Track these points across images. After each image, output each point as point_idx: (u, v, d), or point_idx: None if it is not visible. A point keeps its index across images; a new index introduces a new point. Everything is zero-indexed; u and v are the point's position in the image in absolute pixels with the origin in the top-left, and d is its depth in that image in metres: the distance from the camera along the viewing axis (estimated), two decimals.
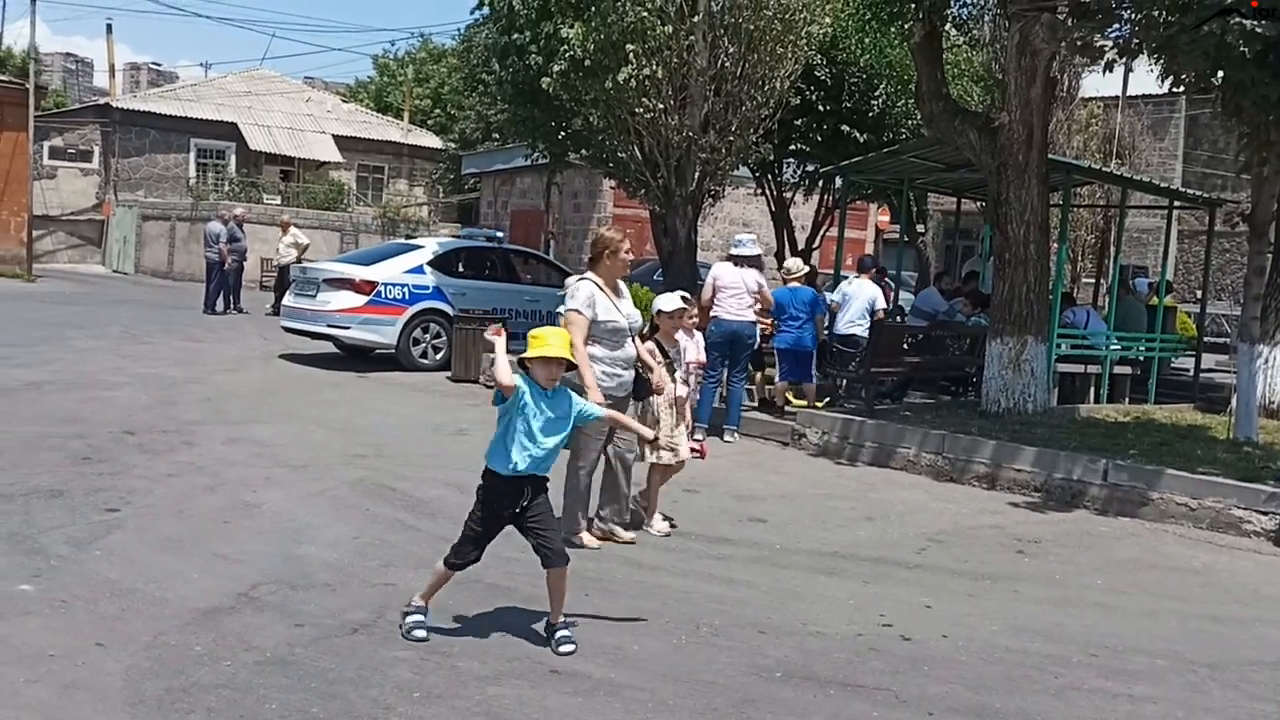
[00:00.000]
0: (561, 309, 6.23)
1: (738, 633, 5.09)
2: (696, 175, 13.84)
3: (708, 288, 10.38)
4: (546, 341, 4.72)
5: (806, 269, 11.72)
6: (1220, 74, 8.81)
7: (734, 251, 10.47)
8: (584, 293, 6.22)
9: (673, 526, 6.98)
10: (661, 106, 13.01)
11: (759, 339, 10.66)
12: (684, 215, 14.08)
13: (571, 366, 4.98)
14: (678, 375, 6.84)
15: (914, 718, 4.29)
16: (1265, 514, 7.58)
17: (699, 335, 9.83)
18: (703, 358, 9.81)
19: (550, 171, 25.66)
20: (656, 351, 6.64)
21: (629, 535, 6.60)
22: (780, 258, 19.05)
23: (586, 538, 6.41)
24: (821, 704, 4.35)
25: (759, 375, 11.83)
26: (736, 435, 10.39)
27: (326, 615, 4.91)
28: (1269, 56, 8.10)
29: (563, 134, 15.42)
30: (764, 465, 9.40)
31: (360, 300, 13.76)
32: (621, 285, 6.50)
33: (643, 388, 6.40)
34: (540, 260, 17.06)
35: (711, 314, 10.16)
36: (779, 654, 4.86)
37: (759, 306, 10.36)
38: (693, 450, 9.32)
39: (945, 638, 5.17)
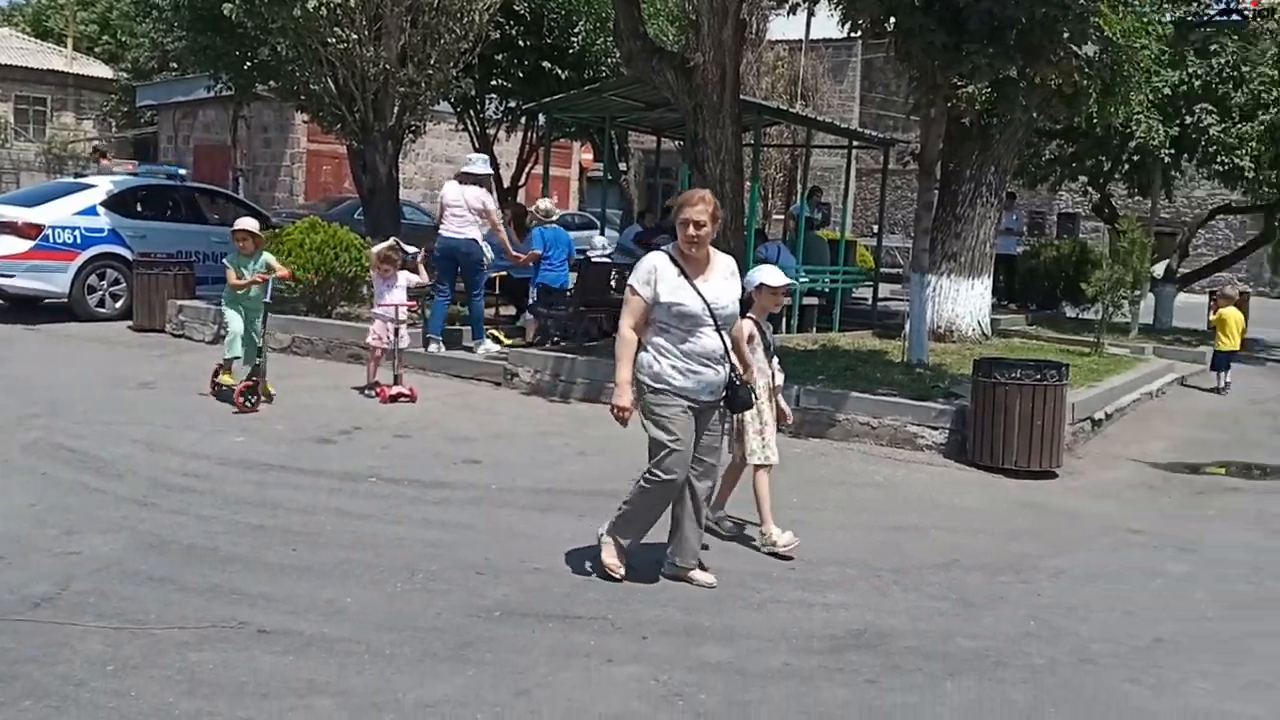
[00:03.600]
0: None
1: (455, 576, 5.06)
2: (395, 110, 13.43)
3: (440, 208, 10.82)
4: None
5: (559, 212, 12.30)
6: (892, 20, 9.41)
7: (463, 169, 10.83)
8: (644, 266, 5.02)
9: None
10: (355, 37, 12.49)
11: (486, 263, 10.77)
12: (383, 151, 13.66)
13: None
14: (774, 363, 5.92)
15: (630, 643, 4.42)
16: (935, 429, 8.33)
17: (403, 276, 9.65)
18: (403, 299, 9.63)
19: (236, 104, 24.20)
20: (756, 333, 5.70)
21: (708, 578, 5.23)
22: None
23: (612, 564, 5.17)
24: (540, 638, 4.41)
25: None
26: (442, 348, 10.60)
27: (4, 590, 4.49)
28: (935, 5, 8.72)
29: (249, 64, 14.58)
30: (477, 406, 9.35)
31: (25, 245, 12.46)
32: (721, 260, 5.10)
33: (737, 399, 5.15)
34: (229, 199, 16.05)
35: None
36: (498, 594, 4.87)
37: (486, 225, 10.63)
38: (403, 394, 9.20)
39: (658, 564, 5.35)
